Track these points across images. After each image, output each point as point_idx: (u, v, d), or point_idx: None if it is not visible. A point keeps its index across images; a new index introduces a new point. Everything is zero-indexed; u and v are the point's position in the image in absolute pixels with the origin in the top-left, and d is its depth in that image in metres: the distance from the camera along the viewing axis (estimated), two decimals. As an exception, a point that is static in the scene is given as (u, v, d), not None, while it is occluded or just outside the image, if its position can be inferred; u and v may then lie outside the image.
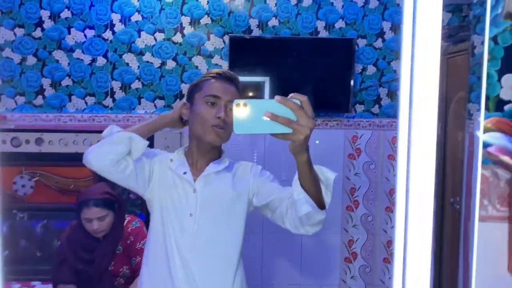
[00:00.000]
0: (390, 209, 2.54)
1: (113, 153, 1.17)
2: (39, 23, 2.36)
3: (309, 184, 1.02)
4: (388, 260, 2.57)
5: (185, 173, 1.25)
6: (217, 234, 1.23)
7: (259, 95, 2.37)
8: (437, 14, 0.50)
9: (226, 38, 2.40)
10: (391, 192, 2.53)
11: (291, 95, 0.83)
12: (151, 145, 2.31)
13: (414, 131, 0.52)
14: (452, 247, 2.27)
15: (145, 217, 2.11)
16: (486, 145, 0.61)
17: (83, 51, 2.39)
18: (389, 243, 2.56)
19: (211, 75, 1.26)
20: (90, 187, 1.93)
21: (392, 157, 2.51)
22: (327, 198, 1.08)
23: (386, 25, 2.45)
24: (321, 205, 1.05)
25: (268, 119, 0.80)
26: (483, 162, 0.61)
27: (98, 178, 2.41)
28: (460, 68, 2.24)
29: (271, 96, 2.47)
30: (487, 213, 0.60)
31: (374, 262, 2.56)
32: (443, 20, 2.46)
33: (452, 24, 2.44)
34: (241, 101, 0.81)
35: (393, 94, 2.50)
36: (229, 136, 1.22)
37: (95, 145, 1.21)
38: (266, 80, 2.37)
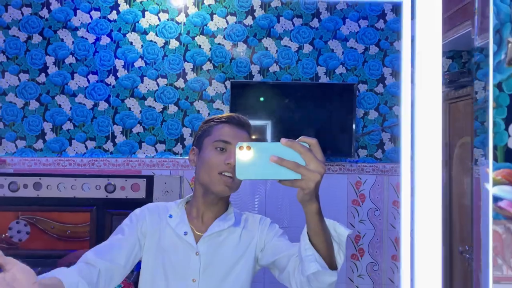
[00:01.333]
0: (396, 257, 2.44)
1: None
2: (44, 69, 2.39)
3: (319, 239, 0.91)
4: (396, 312, 2.44)
5: (186, 233, 1.13)
6: None
7: (260, 139, 2.36)
8: (436, 58, 0.48)
9: (228, 83, 2.42)
10: (397, 240, 2.44)
11: (300, 138, 0.77)
12: (150, 189, 2.28)
13: (418, 177, 0.48)
14: (463, 299, 2.16)
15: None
16: (496, 199, 0.57)
17: (85, 96, 2.40)
18: (397, 294, 2.44)
19: (222, 119, 1.17)
20: (74, 253, 1.85)
21: (397, 203, 2.44)
22: (339, 258, 0.96)
23: (387, 71, 2.47)
24: (332, 265, 0.93)
25: (274, 163, 0.73)
26: (495, 217, 0.57)
27: (96, 226, 2.36)
28: (462, 114, 2.23)
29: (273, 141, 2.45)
30: (502, 274, 0.55)
31: (381, 315, 2.43)
32: (443, 66, 2.49)
33: (452, 70, 2.45)
34: (244, 144, 0.74)
35: (396, 139, 2.47)
36: (238, 186, 1.13)
37: None
38: (268, 124, 2.36)
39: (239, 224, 1.18)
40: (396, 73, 2.48)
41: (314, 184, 0.75)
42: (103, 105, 2.41)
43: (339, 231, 0.95)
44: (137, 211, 1.19)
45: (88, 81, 2.41)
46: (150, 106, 2.43)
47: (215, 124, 1.16)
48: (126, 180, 2.31)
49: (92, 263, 1.03)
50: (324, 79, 2.44)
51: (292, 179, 0.75)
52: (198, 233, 1.14)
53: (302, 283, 1.01)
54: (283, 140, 0.74)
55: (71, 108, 2.40)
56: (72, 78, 2.40)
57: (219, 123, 1.16)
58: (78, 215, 2.33)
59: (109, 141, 2.42)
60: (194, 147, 1.19)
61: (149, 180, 2.32)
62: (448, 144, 2.34)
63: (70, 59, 2.40)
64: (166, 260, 1.11)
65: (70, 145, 2.40)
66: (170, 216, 1.15)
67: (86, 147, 2.41)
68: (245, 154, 0.74)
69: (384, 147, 2.47)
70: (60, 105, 2.40)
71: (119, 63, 2.41)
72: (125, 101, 2.42)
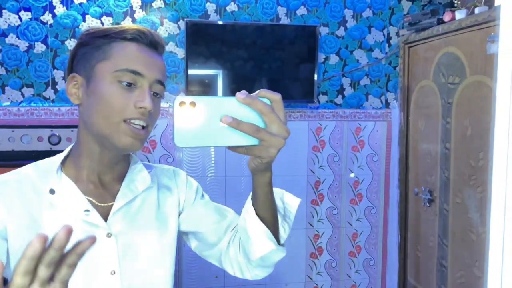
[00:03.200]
0: (354, 201, 2.49)
1: None
2: (-36, 3, 2.05)
3: (267, 212, 0.77)
4: (353, 253, 2.52)
5: (87, 211, 0.78)
6: (151, 285, 0.84)
7: (213, 88, 2.22)
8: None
9: (182, 23, 2.22)
10: (355, 184, 2.48)
11: (258, 91, 0.60)
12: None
13: None
14: (416, 238, 2.26)
15: None
16: None
17: (18, 36, 2.11)
18: (355, 236, 2.51)
19: (127, 34, 0.76)
20: None
21: (356, 148, 2.46)
22: (283, 232, 0.82)
23: (348, 13, 2.39)
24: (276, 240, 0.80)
25: (226, 125, 0.57)
26: None
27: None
28: (421, 58, 2.22)
29: (228, 88, 2.34)
30: None
31: (340, 256, 2.50)
32: (403, 9, 2.44)
33: (412, 13, 2.42)
34: (187, 99, 0.56)
35: (355, 84, 2.44)
36: (149, 135, 0.81)
37: None
38: (219, 73, 2.21)
39: (153, 182, 0.88)
40: (357, 16, 2.40)
41: (276, 151, 0.61)
42: (39, 47, 2.13)
43: (288, 201, 0.81)
44: None
45: (20, 18, 2.10)
46: (95, 49, 2.18)
47: (114, 40, 0.76)
48: (72, 131, 2.11)
49: None
50: (285, 21, 2.31)
51: (248, 145, 0.59)
52: (102, 205, 0.81)
53: (241, 265, 0.87)
54: (239, 95, 0.57)
55: (1, 50, 2.10)
56: (1, 15, 2.09)
57: (121, 40, 0.76)
58: (18, 170, 2.11)
59: (50, 87, 2.17)
60: (75, 74, 0.79)
61: (98, 130, 2.13)
62: (406, 88, 2.35)
63: (-4, -8, 2.07)
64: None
65: (3, 92, 2.13)
66: (52, 192, 0.78)
67: (22, 94, 2.15)
68: (187, 113, 0.55)
69: (344, 93, 2.44)
70: (-13, 47, 2.09)
71: (55, -2, 2.12)
72: (66, 42, 2.15)
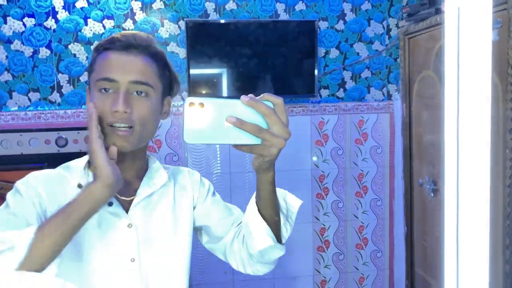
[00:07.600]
0: (360, 194, 2.50)
1: None
2: (-31, 12, 2.11)
3: (269, 211, 0.82)
4: (360, 246, 2.53)
5: (110, 203, 0.85)
6: (167, 274, 0.90)
7: (218, 83, 2.24)
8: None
9: (182, 23, 2.25)
10: (360, 177, 2.49)
11: (262, 95, 0.66)
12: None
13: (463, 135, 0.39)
14: (423, 229, 2.26)
15: None
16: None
17: (22, 42, 2.16)
18: (361, 229, 2.52)
19: (105, 44, 0.83)
20: None
21: (359, 141, 2.47)
22: (285, 231, 0.87)
23: (347, 7, 2.39)
24: (277, 239, 0.86)
25: (231, 125, 0.62)
26: None
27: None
28: (422, 48, 2.22)
29: (233, 86, 2.36)
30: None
31: (347, 249, 2.51)
32: (402, 0, 2.44)
33: (411, 3, 2.42)
34: (196, 100, 0.62)
35: (357, 77, 2.45)
36: (144, 137, 0.84)
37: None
38: (223, 72, 2.24)
39: (170, 180, 0.95)
40: (356, 9, 2.41)
41: (277, 151, 0.67)
42: (44, 52, 2.18)
43: (290, 202, 0.86)
44: (20, 185, 0.85)
45: (24, 25, 2.15)
46: (97, 52, 2.22)
47: (100, 52, 0.84)
48: (78, 133, 2.15)
49: None
50: (284, 16, 2.33)
51: (251, 144, 0.65)
52: (123, 198, 0.88)
53: (243, 259, 0.93)
54: (243, 97, 0.63)
55: (7, 56, 2.15)
56: (5, 22, 2.14)
57: (102, 51, 0.83)
58: (27, 173, 2.16)
59: (55, 91, 2.21)
60: (88, 84, 0.89)
61: (104, 131, 2.17)
62: (408, 79, 2.36)
63: (0, 0, 2.12)
64: (86, 244, 0.83)
65: (11, 98, 2.18)
66: (80, 186, 0.84)
67: (29, 99, 2.19)
68: (196, 113, 0.62)
69: (346, 86, 2.45)
70: (-7, 54, 2.14)
71: (58, 4, 2.16)
72: (69, 46, 2.20)
